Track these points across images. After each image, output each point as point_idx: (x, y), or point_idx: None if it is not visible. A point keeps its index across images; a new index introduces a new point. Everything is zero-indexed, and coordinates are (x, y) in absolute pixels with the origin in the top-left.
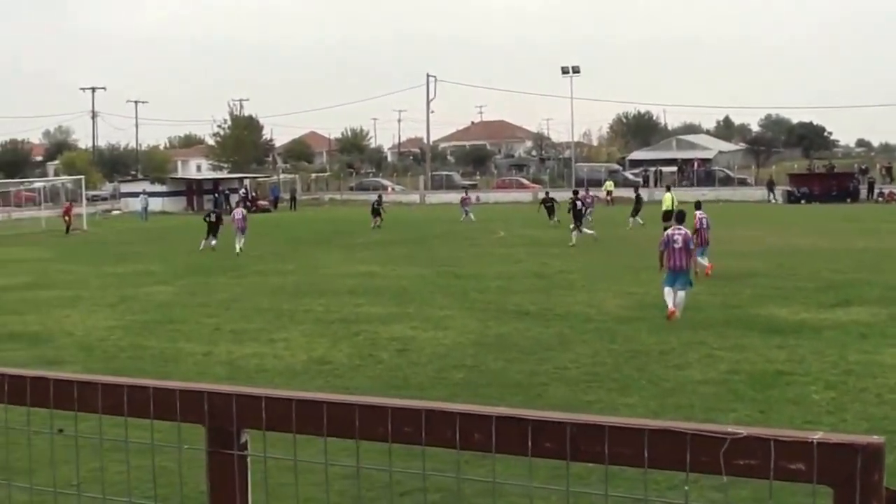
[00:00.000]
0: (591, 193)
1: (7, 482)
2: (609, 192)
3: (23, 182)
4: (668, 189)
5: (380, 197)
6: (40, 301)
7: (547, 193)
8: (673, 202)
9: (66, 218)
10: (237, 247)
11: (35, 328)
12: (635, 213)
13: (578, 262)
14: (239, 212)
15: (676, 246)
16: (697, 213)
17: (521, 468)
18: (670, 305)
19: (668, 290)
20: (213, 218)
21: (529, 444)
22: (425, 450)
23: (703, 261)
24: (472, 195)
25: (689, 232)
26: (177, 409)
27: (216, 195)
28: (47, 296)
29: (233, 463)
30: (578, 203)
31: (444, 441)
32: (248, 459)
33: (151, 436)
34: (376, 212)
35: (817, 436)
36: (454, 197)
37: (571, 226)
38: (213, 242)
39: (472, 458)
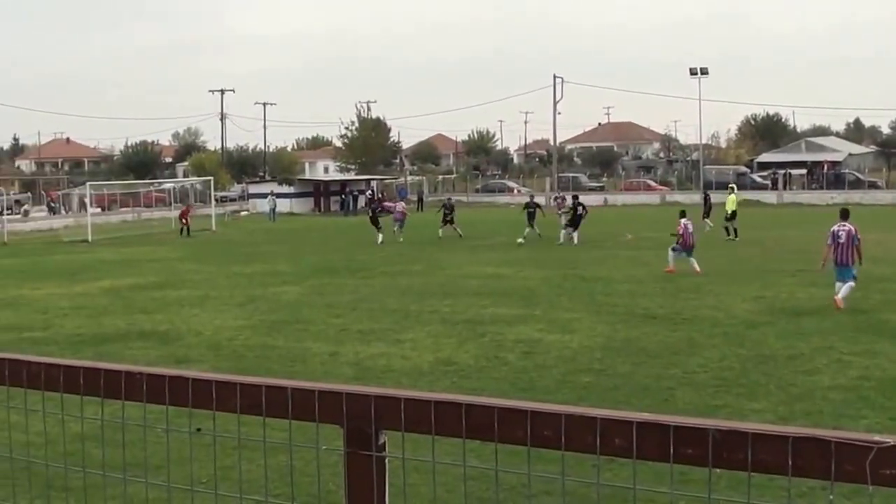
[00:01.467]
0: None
1: (143, 479)
2: None
3: (152, 183)
4: (732, 191)
5: (449, 201)
6: (169, 300)
7: (532, 198)
8: (735, 203)
9: (184, 220)
10: (399, 237)
11: (164, 327)
12: (706, 214)
13: (706, 266)
14: (400, 205)
15: (841, 241)
16: (682, 220)
17: (642, 473)
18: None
19: (839, 286)
20: (371, 214)
21: (671, 450)
22: (535, 452)
23: (695, 265)
24: (568, 197)
25: (853, 228)
26: (315, 409)
27: (342, 196)
28: (176, 295)
29: (371, 464)
30: (580, 208)
31: (583, 446)
32: (387, 460)
33: (290, 436)
34: (448, 219)
35: None
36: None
37: (564, 225)
38: (381, 237)
39: (595, 462)
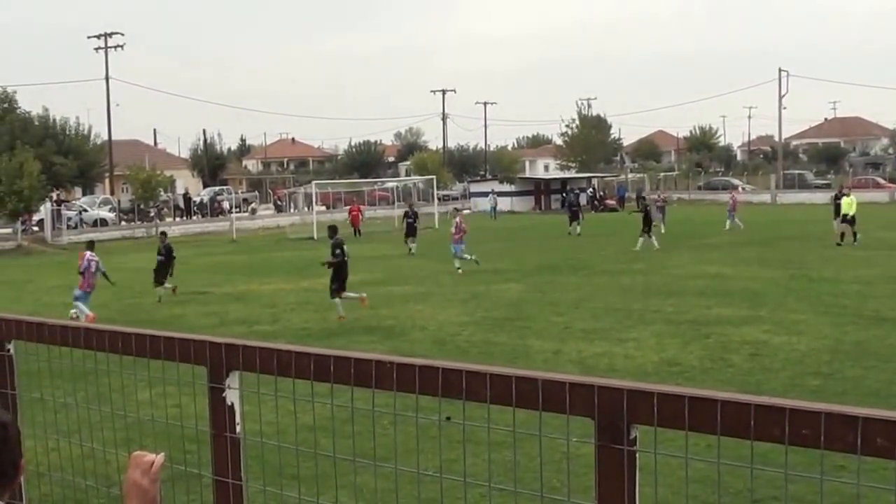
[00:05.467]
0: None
1: (394, 466)
2: None
3: (376, 182)
4: (847, 194)
5: (411, 208)
6: (394, 296)
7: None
8: (852, 206)
9: (355, 223)
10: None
11: (389, 322)
12: (837, 216)
13: None
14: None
15: None
16: (87, 253)
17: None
18: None
19: None
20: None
21: None
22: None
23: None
24: (738, 196)
25: None
26: (566, 401)
27: (563, 195)
28: (400, 291)
29: (622, 457)
30: (649, 207)
31: (843, 445)
32: (638, 455)
33: (539, 427)
34: (412, 228)
35: None
36: (807, 197)
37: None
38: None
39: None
